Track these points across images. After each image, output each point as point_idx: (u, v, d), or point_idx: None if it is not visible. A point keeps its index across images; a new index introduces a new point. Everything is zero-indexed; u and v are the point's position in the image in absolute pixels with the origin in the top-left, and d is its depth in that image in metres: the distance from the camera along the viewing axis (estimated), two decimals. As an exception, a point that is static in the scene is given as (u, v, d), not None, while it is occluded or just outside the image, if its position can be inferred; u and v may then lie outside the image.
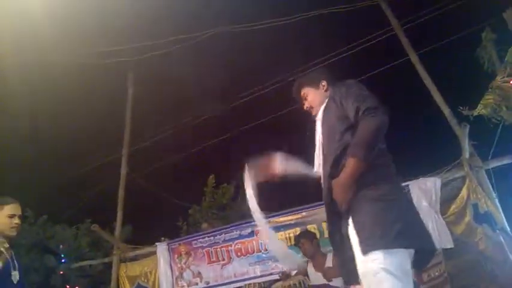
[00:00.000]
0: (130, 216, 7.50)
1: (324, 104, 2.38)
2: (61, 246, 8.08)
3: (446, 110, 5.23)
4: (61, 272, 7.71)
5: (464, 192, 4.80)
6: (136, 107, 7.45)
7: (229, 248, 5.65)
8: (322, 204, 2.35)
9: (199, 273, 5.74)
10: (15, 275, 2.91)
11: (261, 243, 5.50)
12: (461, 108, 4.67)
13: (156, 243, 6.11)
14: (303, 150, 2.60)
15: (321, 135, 2.36)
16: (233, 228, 5.73)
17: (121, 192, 6.80)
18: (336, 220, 2.23)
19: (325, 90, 2.47)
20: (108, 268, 6.71)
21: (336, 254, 2.71)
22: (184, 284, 5.79)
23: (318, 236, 4.81)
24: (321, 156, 2.34)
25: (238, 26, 6.63)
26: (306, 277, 4.23)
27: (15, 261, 2.97)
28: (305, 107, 2.55)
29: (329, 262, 4.20)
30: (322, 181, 2.30)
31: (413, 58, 5.69)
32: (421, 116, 8.66)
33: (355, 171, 2.04)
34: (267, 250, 5.46)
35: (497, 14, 5.08)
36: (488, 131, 4.71)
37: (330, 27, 7.20)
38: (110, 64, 6.73)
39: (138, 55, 6.77)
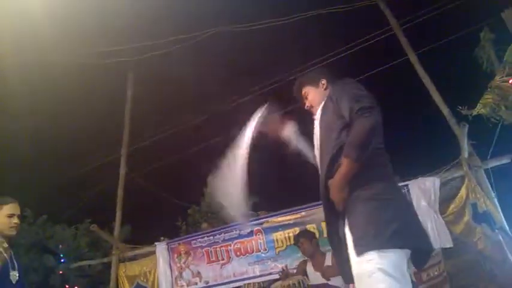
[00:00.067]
0: (130, 216, 7.49)
1: (323, 103, 2.38)
2: (60, 246, 8.08)
3: (445, 110, 5.23)
4: (60, 272, 7.71)
5: (463, 191, 4.80)
6: (136, 107, 7.45)
7: (229, 247, 5.65)
8: (321, 204, 2.35)
9: (198, 272, 5.75)
10: (14, 275, 2.91)
11: (260, 242, 5.50)
12: (460, 107, 4.67)
13: (155, 243, 6.11)
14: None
15: (318, 134, 2.36)
16: (232, 228, 5.73)
17: (120, 192, 6.79)
18: (334, 220, 2.23)
19: (325, 89, 2.47)
20: (107, 268, 6.70)
21: (334, 254, 2.71)
22: (184, 284, 5.79)
23: (317, 235, 4.81)
24: (319, 156, 2.34)
25: (238, 26, 6.63)
26: (305, 277, 4.24)
27: (14, 261, 2.97)
28: (306, 106, 2.55)
29: (328, 261, 4.21)
30: (319, 180, 2.30)
31: (412, 58, 5.69)
32: (420, 116, 8.67)
33: (348, 172, 2.04)
34: (266, 250, 5.47)
35: (496, 14, 5.08)
36: (487, 131, 4.71)
37: (328, 27, 7.20)
38: (109, 64, 6.73)
39: (138, 55, 6.77)
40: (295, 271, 4.62)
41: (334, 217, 2.22)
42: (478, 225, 4.66)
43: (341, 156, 2.09)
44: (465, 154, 4.81)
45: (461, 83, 7.29)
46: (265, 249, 5.47)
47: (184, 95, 8.48)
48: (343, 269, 2.18)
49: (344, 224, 2.11)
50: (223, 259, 5.66)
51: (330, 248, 2.91)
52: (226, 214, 2.78)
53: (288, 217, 5.47)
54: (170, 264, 5.92)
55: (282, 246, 5.41)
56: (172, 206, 8.88)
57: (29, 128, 8.05)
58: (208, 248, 5.76)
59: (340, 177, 2.07)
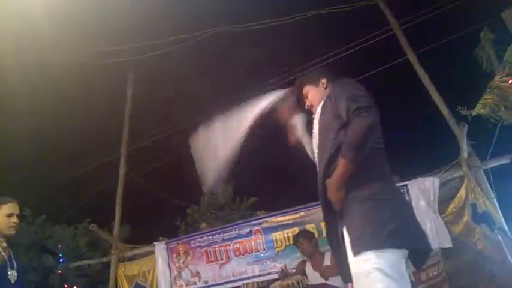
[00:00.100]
0: (129, 215, 7.48)
1: (322, 102, 2.38)
2: (59, 246, 8.07)
3: (444, 110, 5.23)
4: (59, 272, 7.70)
5: (462, 191, 4.80)
6: (136, 106, 7.45)
7: (228, 247, 5.65)
8: (320, 204, 2.35)
9: (197, 272, 5.74)
10: (13, 274, 2.91)
11: (259, 242, 5.50)
12: (459, 108, 4.67)
13: (155, 243, 6.10)
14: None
15: (317, 134, 2.35)
16: (231, 227, 5.73)
17: (119, 192, 6.79)
18: (332, 220, 2.23)
19: (325, 88, 2.47)
20: (106, 268, 6.70)
21: (333, 254, 2.71)
22: (183, 284, 5.79)
23: (316, 235, 4.81)
24: (317, 155, 2.34)
25: (238, 26, 6.63)
26: (304, 276, 4.23)
27: (13, 260, 2.97)
28: (306, 106, 2.54)
29: (327, 261, 4.21)
30: (318, 180, 2.30)
31: (412, 58, 5.68)
32: (420, 116, 8.67)
33: (344, 172, 2.04)
34: (265, 249, 5.47)
35: (496, 14, 5.08)
36: (486, 131, 4.71)
37: (328, 27, 7.20)
38: (109, 64, 6.72)
39: (138, 55, 6.77)
40: (294, 271, 4.62)
41: (332, 217, 2.22)
42: (478, 226, 4.66)
43: (338, 157, 2.09)
44: (465, 154, 4.81)
45: (461, 83, 7.30)
46: (264, 249, 5.47)
47: (184, 94, 8.49)
48: (342, 268, 2.18)
49: (342, 224, 2.11)
50: (222, 259, 5.66)
51: (329, 248, 2.91)
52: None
53: (287, 217, 5.47)
54: (169, 264, 5.91)
55: (281, 246, 5.41)
56: (171, 206, 8.87)
57: (28, 127, 8.05)
58: (207, 248, 5.75)
59: (336, 177, 2.07)
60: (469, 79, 6.31)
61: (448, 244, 4.62)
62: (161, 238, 6.23)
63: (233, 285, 5.58)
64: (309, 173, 2.57)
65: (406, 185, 4.86)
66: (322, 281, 4.11)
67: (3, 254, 2.90)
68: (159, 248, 6.00)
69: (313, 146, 2.41)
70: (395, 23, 5.99)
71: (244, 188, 9.36)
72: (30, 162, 8.78)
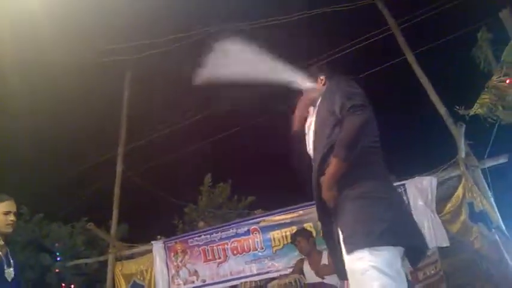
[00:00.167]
0: (126, 214, 7.47)
1: (320, 99, 2.38)
2: (56, 244, 8.03)
3: (442, 110, 5.25)
4: (56, 270, 7.67)
5: (460, 191, 4.82)
6: (134, 105, 7.43)
7: (226, 246, 5.65)
8: (317, 203, 2.35)
9: (195, 271, 5.74)
10: (10, 272, 2.90)
11: (257, 241, 5.50)
12: (457, 107, 4.69)
13: (152, 242, 6.10)
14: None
15: (313, 130, 2.36)
16: (229, 226, 5.73)
17: (117, 191, 6.78)
18: (327, 219, 2.24)
19: (323, 85, 2.47)
20: (103, 266, 6.68)
21: (329, 252, 2.72)
22: (181, 282, 5.79)
23: (314, 234, 4.83)
24: (312, 153, 2.34)
25: (238, 25, 6.62)
26: (302, 275, 4.24)
27: (10, 258, 2.96)
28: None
29: (325, 260, 4.23)
30: (312, 179, 2.30)
31: (410, 58, 5.70)
32: (417, 116, 8.67)
33: (336, 171, 2.05)
34: (263, 248, 5.48)
35: (493, 14, 5.09)
36: (484, 131, 4.72)
37: (326, 27, 7.20)
38: (108, 63, 6.71)
39: (136, 54, 6.76)
40: (292, 270, 4.62)
41: (327, 217, 2.23)
42: (475, 225, 4.68)
43: (331, 156, 2.10)
44: (462, 154, 4.83)
45: (459, 83, 7.31)
46: (262, 248, 5.47)
47: (183, 93, 8.47)
48: (338, 266, 2.19)
49: (336, 223, 2.12)
50: (220, 258, 5.66)
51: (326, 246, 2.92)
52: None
53: (285, 216, 5.47)
54: (167, 263, 5.91)
55: (279, 245, 5.41)
56: (169, 205, 8.86)
57: (26, 126, 8.03)
58: (205, 247, 5.75)
59: (328, 176, 2.08)
60: (467, 79, 6.33)
61: (446, 243, 4.64)
62: (159, 237, 6.24)
63: (231, 284, 5.59)
64: (307, 171, 2.57)
65: (403, 184, 4.87)
66: (319, 279, 4.12)
67: (0, 252, 2.89)
68: (157, 246, 6.00)
69: (309, 143, 2.41)
70: (394, 23, 6.00)
71: (242, 186, 9.37)
72: (28, 161, 8.76)
